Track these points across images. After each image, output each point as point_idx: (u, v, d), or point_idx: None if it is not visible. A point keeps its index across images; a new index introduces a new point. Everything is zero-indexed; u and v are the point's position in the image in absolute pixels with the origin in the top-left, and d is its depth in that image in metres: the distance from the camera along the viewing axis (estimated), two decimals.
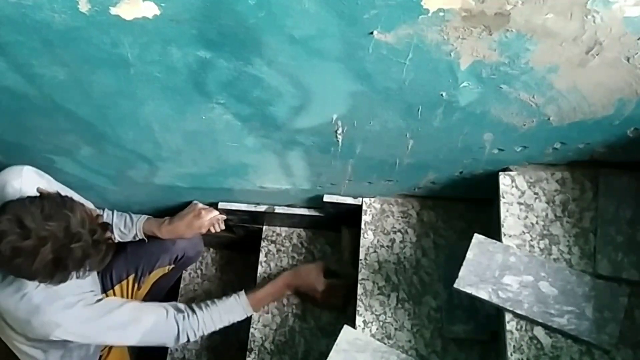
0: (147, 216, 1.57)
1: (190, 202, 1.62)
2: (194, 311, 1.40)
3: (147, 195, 1.60)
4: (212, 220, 1.58)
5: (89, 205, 1.46)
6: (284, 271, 1.61)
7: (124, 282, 1.58)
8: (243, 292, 1.50)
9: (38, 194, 1.20)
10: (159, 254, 1.59)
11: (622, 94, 0.97)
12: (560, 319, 1.08)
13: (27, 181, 1.29)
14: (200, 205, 1.59)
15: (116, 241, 1.55)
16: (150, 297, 1.66)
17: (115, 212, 1.56)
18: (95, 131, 1.22)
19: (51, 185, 1.36)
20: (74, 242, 1.10)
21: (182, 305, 1.42)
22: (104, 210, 1.55)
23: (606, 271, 1.12)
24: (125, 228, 1.54)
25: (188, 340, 1.40)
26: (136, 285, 1.59)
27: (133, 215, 1.57)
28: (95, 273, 1.44)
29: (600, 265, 1.13)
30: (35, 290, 1.21)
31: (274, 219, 1.72)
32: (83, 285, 1.30)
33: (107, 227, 1.18)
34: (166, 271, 1.63)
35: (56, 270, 1.10)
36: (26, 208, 1.10)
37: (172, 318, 1.37)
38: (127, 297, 1.59)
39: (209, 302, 1.45)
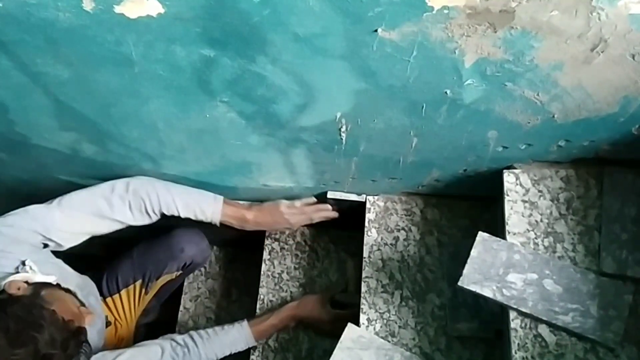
0: (219, 205, 1.41)
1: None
2: (195, 344, 1.36)
3: None
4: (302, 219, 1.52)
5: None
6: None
7: (131, 287, 1.57)
8: (246, 323, 1.45)
9: (6, 295, 1.11)
10: (167, 261, 1.57)
11: (627, 92, 0.96)
12: (565, 317, 1.08)
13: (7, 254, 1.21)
14: (293, 220, 1.50)
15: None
16: (156, 299, 1.66)
17: (175, 197, 1.37)
18: (99, 130, 1.22)
19: (25, 241, 1.24)
20: None
21: (180, 339, 1.37)
22: (157, 192, 1.36)
23: (611, 269, 1.12)
24: (195, 218, 1.41)
25: None
26: (143, 290, 1.58)
27: (202, 203, 1.40)
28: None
29: (604, 263, 1.13)
30: None
31: None
32: None
33: (81, 333, 1.11)
34: (173, 277, 1.62)
35: None
36: None
37: (168, 357, 1.32)
38: (134, 301, 1.59)
39: (210, 331, 1.41)
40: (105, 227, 1.35)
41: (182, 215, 1.39)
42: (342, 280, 1.66)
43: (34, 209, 1.27)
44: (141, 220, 1.37)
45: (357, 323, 1.38)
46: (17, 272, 1.18)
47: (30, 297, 1.10)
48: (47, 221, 1.27)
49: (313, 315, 1.53)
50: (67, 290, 1.21)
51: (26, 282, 1.14)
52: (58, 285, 1.20)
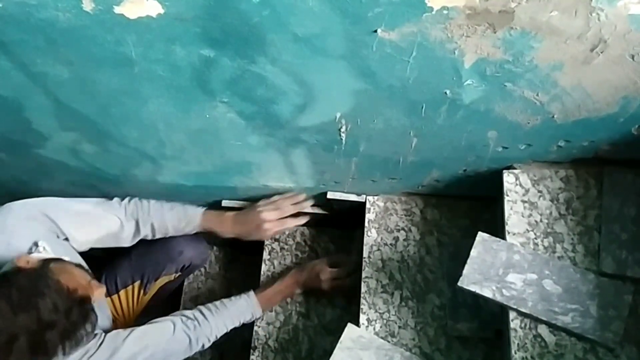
0: (202, 209, 1.50)
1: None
2: (205, 317, 1.38)
3: (151, 193, 1.60)
4: (278, 230, 1.54)
5: (107, 224, 1.40)
6: (288, 270, 1.62)
7: (129, 288, 1.57)
8: (252, 292, 1.49)
9: (15, 268, 1.11)
10: (165, 263, 1.57)
11: (626, 92, 0.96)
12: (565, 317, 1.08)
13: (15, 234, 1.22)
14: (264, 213, 1.50)
15: (169, 235, 1.49)
16: (155, 299, 1.66)
17: (164, 204, 1.47)
18: (99, 130, 1.22)
19: (40, 227, 1.27)
20: (48, 331, 1.02)
21: (190, 313, 1.39)
22: (149, 201, 1.46)
23: (610, 269, 1.12)
24: (180, 223, 1.47)
25: (203, 347, 1.38)
26: (142, 291, 1.59)
27: (187, 208, 1.48)
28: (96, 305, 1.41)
29: (604, 263, 1.13)
30: None
31: None
32: None
33: (86, 302, 1.10)
34: (172, 279, 1.63)
35: (36, 358, 1.03)
36: None
37: (181, 330, 1.34)
38: (133, 302, 1.59)
39: (218, 304, 1.43)
40: (105, 222, 1.38)
41: (168, 219, 1.45)
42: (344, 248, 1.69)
43: (42, 198, 1.31)
44: (129, 228, 1.42)
45: (356, 321, 1.38)
46: (31, 253, 1.18)
47: (37, 269, 1.10)
48: (54, 204, 1.31)
49: (313, 273, 1.56)
50: (78, 265, 1.20)
51: None
52: (69, 261, 1.20)
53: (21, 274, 1.08)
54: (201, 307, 1.42)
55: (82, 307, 1.09)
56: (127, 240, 1.44)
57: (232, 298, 1.47)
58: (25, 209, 1.25)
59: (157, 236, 1.48)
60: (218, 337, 1.41)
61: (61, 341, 1.05)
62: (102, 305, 1.41)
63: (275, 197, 1.53)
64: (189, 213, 1.48)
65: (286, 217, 1.53)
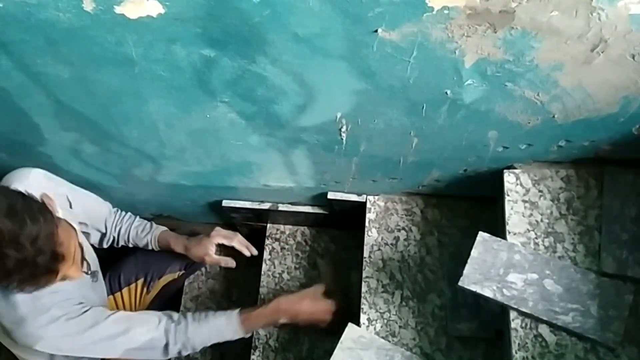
0: (165, 228, 1.55)
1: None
2: (187, 326, 1.31)
3: (152, 193, 1.61)
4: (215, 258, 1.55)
5: (102, 207, 1.49)
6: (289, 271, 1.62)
7: (133, 286, 1.57)
8: (236, 312, 1.38)
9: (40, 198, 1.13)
10: (170, 260, 1.58)
11: (627, 92, 0.96)
12: (565, 317, 1.08)
13: (33, 184, 1.23)
14: (214, 232, 1.55)
15: (130, 245, 1.54)
16: (158, 299, 1.66)
17: (138, 217, 1.56)
18: (100, 130, 1.22)
19: (59, 188, 1.33)
20: (10, 249, 0.98)
21: (176, 315, 1.34)
22: (126, 212, 1.55)
23: (611, 269, 1.12)
24: (142, 232, 1.52)
25: (179, 354, 1.31)
26: (145, 289, 1.59)
27: (153, 224, 1.56)
28: (89, 283, 1.40)
29: (605, 263, 1.13)
30: (23, 300, 1.15)
31: (278, 216, 1.72)
32: (73, 297, 1.24)
33: (58, 258, 1.06)
34: (176, 277, 1.63)
35: None
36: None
37: (163, 328, 1.29)
38: (136, 300, 1.58)
39: (203, 315, 1.35)
40: (97, 206, 1.48)
41: (134, 226, 1.54)
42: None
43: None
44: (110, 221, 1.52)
45: (357, 321, 1.38)
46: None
47: (52, 212, 1.10)
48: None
49: (309, 309, 1.43)
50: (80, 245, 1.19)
51: None
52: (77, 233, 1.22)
53: (39, 202, 1.08)
54: (188, 313, 1.35)
55: (53, 261, 1.05)
56: (103, 228, 1.51)
57: (217, 313, 1.37)
58: (46, 174, 1.32)
59: (121, 242, 1.53)
60: (196, 349, 1.34)
61: (13, 268, 1.00)
62: (104, 304, 1.42)
63: (235, 233, 1.59)
64: (153, 226, 1.55)
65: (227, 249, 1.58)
